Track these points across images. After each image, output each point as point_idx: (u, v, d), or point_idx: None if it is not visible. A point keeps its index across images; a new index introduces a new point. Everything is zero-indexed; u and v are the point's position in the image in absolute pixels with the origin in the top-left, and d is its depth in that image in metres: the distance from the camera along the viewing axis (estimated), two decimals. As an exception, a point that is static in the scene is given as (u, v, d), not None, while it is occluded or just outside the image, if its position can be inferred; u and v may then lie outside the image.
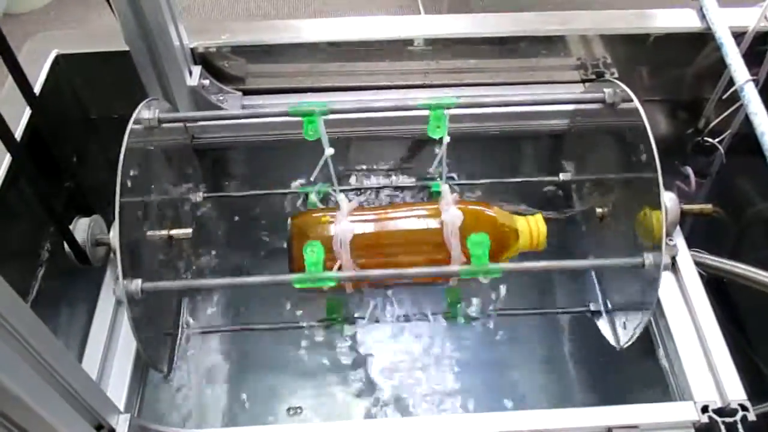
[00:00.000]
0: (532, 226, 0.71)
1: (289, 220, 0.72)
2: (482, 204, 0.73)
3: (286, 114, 0.66)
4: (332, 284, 0.64)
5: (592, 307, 0.78)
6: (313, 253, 0.61)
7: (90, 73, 0.81)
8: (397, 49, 0.82)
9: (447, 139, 0.67)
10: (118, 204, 0.57)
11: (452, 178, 0.86)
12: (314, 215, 0.73)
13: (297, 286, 0.62)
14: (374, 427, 0.60)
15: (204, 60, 0.80)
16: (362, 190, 0.87)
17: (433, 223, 0.70)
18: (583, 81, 0.85)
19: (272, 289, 0.89)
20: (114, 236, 0.58)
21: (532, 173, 0.92)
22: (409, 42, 0.81)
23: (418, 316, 0.81)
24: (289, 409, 0.87)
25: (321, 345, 0.90)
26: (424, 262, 0.70)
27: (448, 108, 0.66)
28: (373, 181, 0.90)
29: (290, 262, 0.70)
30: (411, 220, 0.72)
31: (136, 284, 0.58)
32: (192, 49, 0.78)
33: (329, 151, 0.68)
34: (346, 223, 0.68)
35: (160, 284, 0.62)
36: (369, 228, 0.71)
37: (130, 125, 0.61)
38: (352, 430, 0.60)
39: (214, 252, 0.90)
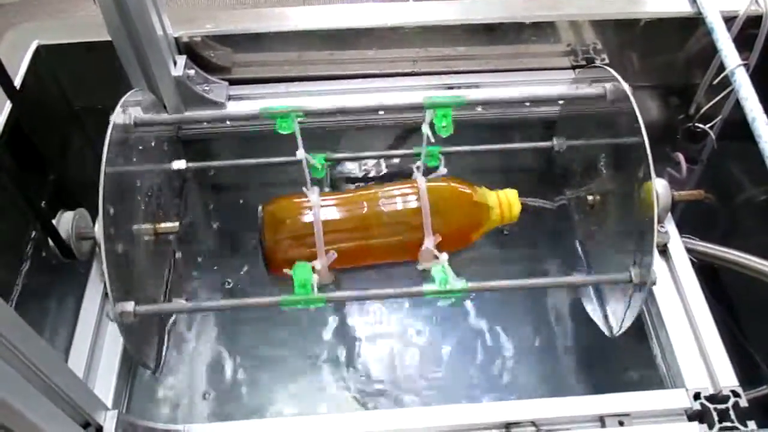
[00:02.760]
0: (502, 199, 0.70)
1: (259, 208, 0.69)
2: (456, 180, 0.72)
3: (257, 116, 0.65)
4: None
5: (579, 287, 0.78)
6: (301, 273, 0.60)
7: (73, 64, 0.79)
8: (385, 36, 0.81)
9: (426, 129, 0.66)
10: (102, 199, 0.56)
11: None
12: (287, 201, 0.71)
13: (283, 307, 0.60)
14: (362, 418, 0.60)
15: (189, 49, 0.79)
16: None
17: (406, 202, 0.70)
18: (574, 67, 0.84)
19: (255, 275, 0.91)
20: (98, 230, 0.57)
21: (522, 161, 0.91)
22: (397, 29, 0.80)
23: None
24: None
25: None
26: (400, 241, 0.70)
27: (456, 106, 0.65)
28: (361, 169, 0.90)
29: (262, 252, 0.68)
30: (385, 200, 0.71)
31: (129, 306, 0.58)
32: (176, 39, 0.77)
33: (301, 152, 0.68)
34: (319, 213, 0.68)
35: (151, 307, 0.61)
36: (343, 213, 0.70)
37: (114, 119, 0.60)
38: (344, 422, 0.59)
39: (201, 242, 0.89)
